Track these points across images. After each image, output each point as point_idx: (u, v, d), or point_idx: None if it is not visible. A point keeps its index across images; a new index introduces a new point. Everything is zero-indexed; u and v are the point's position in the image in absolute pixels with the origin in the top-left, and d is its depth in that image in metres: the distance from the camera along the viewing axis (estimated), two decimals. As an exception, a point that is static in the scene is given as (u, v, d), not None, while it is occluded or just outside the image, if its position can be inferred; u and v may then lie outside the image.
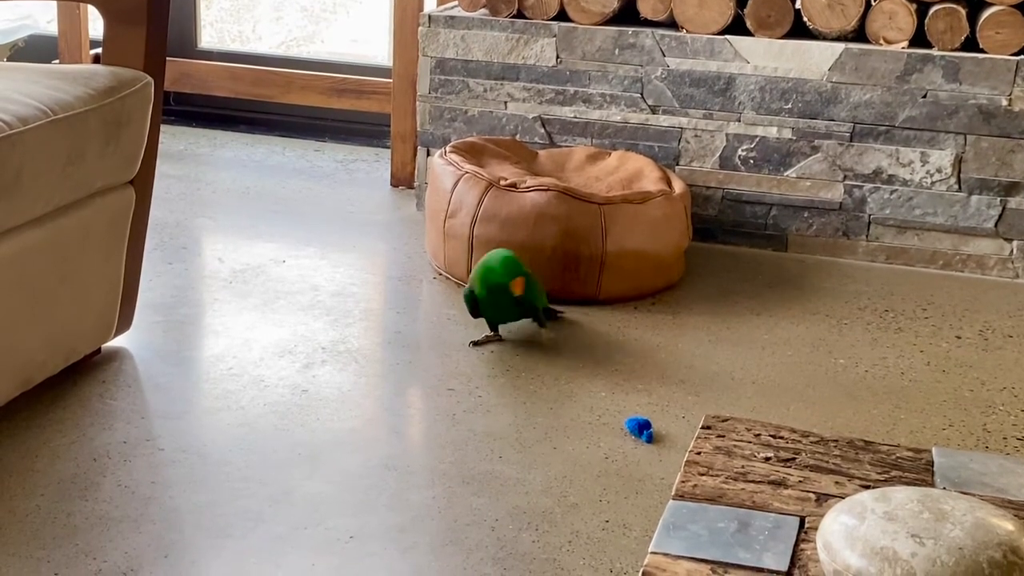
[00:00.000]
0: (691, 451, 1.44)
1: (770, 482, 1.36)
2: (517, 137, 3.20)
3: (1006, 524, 1.14)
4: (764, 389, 2.37)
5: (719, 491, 1.34)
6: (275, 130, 4.00)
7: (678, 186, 2.87)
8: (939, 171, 2.96)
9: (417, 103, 3.31)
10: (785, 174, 3.06)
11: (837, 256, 3.07)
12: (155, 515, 1.87)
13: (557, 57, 3.14)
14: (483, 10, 3.21)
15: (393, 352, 2.48)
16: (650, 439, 2.14)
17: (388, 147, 3.65)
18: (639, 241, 2.73)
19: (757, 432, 1.48)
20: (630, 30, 3.09)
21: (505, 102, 3.21)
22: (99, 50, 2.32)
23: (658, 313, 2.71)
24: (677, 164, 3.12)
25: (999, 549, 1.11)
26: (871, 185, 3.01)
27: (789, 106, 3.01)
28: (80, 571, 1.72)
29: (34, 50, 4.16)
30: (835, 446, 1.46)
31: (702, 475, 1.38)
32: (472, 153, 2.95)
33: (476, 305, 2.52)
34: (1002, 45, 2.89)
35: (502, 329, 2.55)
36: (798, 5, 3.00)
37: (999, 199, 2.94)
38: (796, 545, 1.24)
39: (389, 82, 3.58)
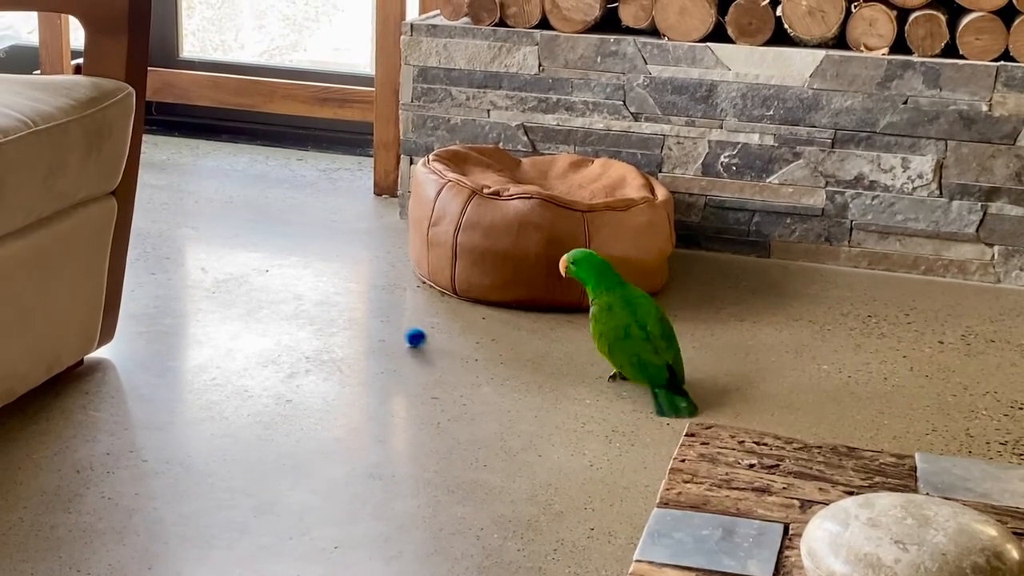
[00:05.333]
0: (675, 458, 1.44)
1: (754, 489, 1.37)
2: (500, 145, 3.20)
3: (989, 529, 1.15)
4: (748, 395, 2.38)
5: (703, 498, 1.35)
6: (258, 139, 4.00)
7: (661, 193, 2.88)
8: (920, 177, 2.97)
9: (400, 111, 3.31)
10: (767, 180, 3.07)
11: (819, 262, 3.08)
12: (139, 527, 1.86)
13: (539, 65, 3.15)
14: (465, 18, 3.21)
15: (377, 361, 2.48)
16: (415, 341, 2.50)
17: (371, 156, 3.65)
18: (622, 248, 2.73)
19: (741, 439, 1.48)
20: (612, 38, 3.09)
21: (488, 110, 3.21)
22: (80, 60, 2.32)
23: (642, 320, 2.71)
24: (660, 171, 3.12)
25: (982, 554, 1.12)
26: (853, 191, 3.02)
27: (771, 113, 3.02)
28: (64, 584, 1.72)
29: (15, 61, 4.15)
30: (819, 452, 1.46)
31: (686, 482, 1.38)
32: (455, 161, 2.95)
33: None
34: (982, 51, 2.90)
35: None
36: (779, 12, 3.01)
37: (980, 204, 2.95)
38: (780, 552, 1.25)
39: (372, 91, 3.58)
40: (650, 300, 2.37)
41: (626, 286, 2.37)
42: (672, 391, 2.30)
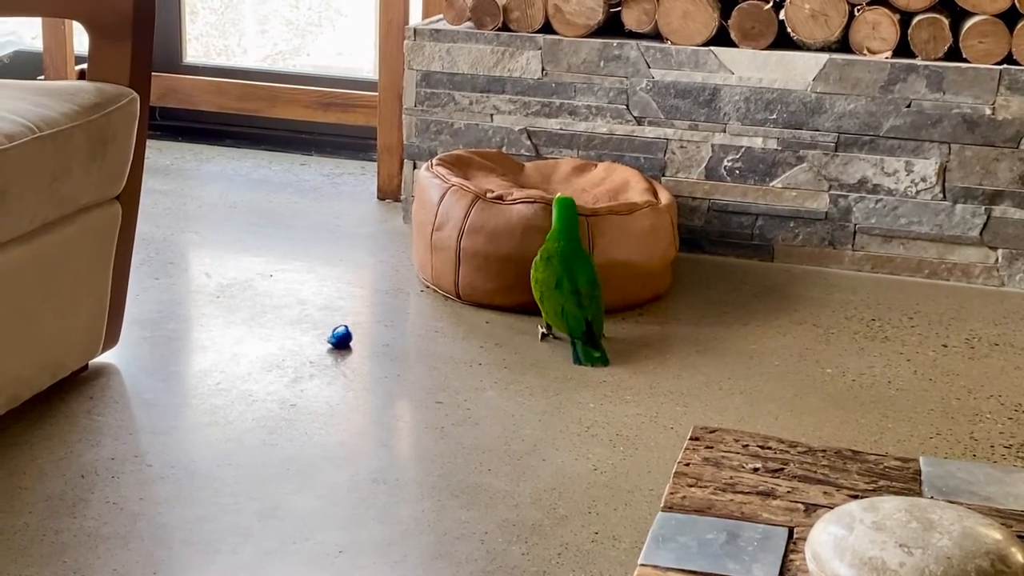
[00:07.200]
0: (680, 462, 1.44)
1: (759, 493, 1.37)
2: (503, 149, 3.21)
3: (994, 533, 1.15)
4: (752, 399, 2.38)
5: (708, 502, 1.35)
6: (261, 144, 4.00)
7: (664, 197, 2.88)
8: (924, 180, 2.97)
9: (403, 116, 3.31)
10: (771, 184, 3.07)
11: (823, 266, 3.08)
12: (144, 532, 1.86)
13: (542, 69, 3.15)
14: (468, 23, 3.21)
15: (381, 365, 2.48)
16: (339, 340, 2.51)
17: (374, 160, 3.65)
18: (626, 252, 2.73)
19: (745, 443, 1.48)
20: (615, 42, 3.10)
21: (491, 114, 3.22)
22: (84, 66, 2.32)
23: (645, 324, 2.71)
24: (663, 175, 3.12)
25: (987, 558, 1.11)
26: (856, 195, 3.02)
27: (774, 116, 3.02)
28: (69, 589, 1.72)
29: (19, 66, 4.16)
30: (823, 456, 1.46)
31: (691, 486, 1.38)
32: (458, 166, 2.95)
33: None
34: (985, 54, 2.90)
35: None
36: (782, 16, 3.01)
37: (984, 208, 2.95)
38: (785, 556, 1.25)
39: (375, 95, 3.59)
40: (589, 261, 2.57)
41: (575, 242, 2.56)
42: (588, 344, 2.50)
